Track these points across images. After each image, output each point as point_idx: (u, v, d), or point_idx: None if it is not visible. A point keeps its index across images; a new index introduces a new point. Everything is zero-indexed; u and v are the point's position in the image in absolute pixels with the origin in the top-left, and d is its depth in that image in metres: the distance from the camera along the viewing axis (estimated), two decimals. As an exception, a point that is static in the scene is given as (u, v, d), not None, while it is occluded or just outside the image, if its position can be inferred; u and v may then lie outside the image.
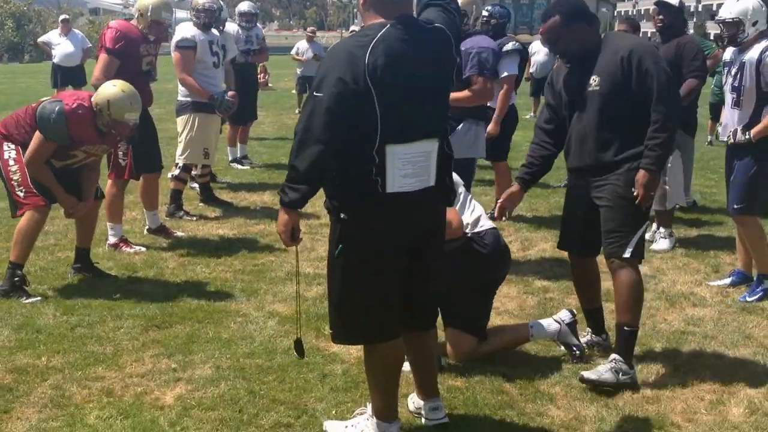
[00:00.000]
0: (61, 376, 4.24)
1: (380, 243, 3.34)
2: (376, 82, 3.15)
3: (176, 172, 7.81)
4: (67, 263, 6.06)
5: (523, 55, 8.02)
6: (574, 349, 4.51)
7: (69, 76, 15.66)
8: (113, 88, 5.47)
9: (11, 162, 5.47)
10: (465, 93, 5.81)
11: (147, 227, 7.14)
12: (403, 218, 3.35)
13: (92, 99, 5.46)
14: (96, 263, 6.04)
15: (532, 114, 17.42)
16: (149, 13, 6.56)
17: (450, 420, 3.81)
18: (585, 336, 4.77)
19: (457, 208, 4.32)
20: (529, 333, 4.55)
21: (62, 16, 15.89)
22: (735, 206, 5.77)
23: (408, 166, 3.28)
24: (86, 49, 16.08)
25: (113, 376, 4.26)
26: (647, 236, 6.94)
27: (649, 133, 4.13)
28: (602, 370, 4.21)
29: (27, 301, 5.33)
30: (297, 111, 17.12)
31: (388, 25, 3.25)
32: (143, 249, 6.62)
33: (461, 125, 5.88)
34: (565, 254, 6.63)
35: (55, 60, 15.76)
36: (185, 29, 7.65)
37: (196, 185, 8.57)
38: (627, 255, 4.23)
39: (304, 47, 17.05)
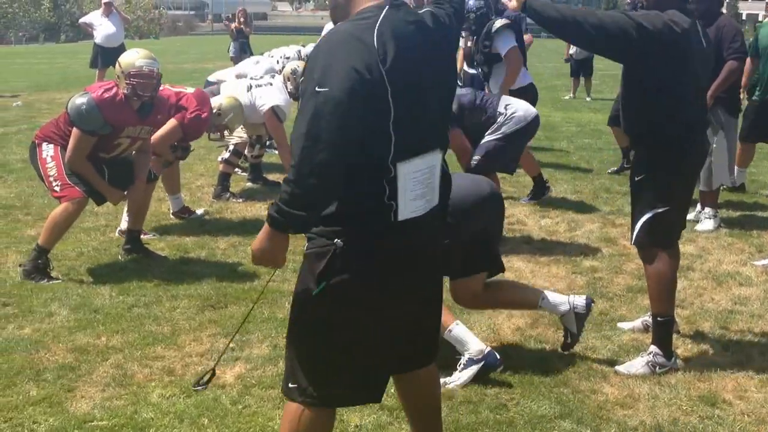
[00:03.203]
0: (121, 356, 4.33)
1: (381, 283, 2.69)
2: (390, 73, 2.52)
3: (226, 155, 7.92)
4: (119, 244, 6.18)
5: (514, 27, 7.94)
6: (569, 336, 4.34)
7: (110, 56, 15.75)
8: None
9: (48, 159, 5.62)
10: None
11: (171, 211, 7.25)
12: (411, 249, 2.73)
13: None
14: (146, 244, 6.16)
15: (571, 95, 17.33)
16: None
17: (506, 398, 3.89)
18: (645, 317, 4.76)
19: None
20: (539, 301, 4.34)
21: None
22: None
23: (418, 185, 2.66)
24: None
25: (173, 355, 4.36)
26: (690, 216, 6.95)
27: None
28: (638, 364, 4.21)
29: (47, 282, 5.44)
30: None
31: (387, 6, 2.65)
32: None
33: None
34: (612, 234, 6.75)
35: (97, 40, 15.86)
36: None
37: (238, 170, 8.65)
38: (632, 242, 4.30)
39: None
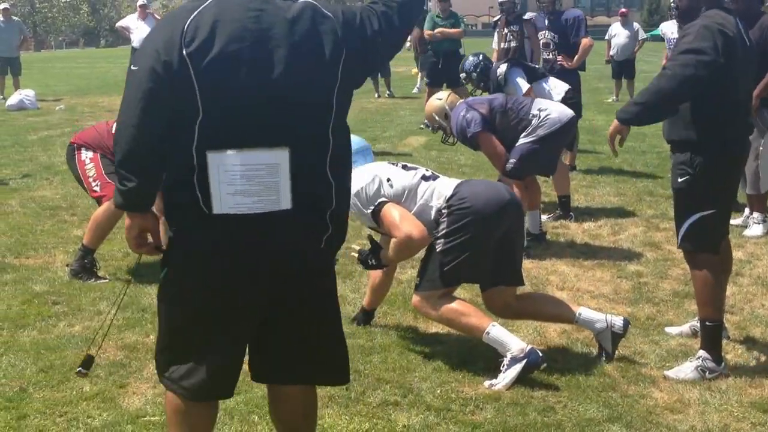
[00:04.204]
0: (170, 354, 4.39)
1: (210, 278, 2.61)
2: (194, 57, 2.41)
3: None
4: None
5: (516, 63, 7.79)
6: (603, 356, 4.32)
7: (147, 59, 15.99)
8: None
9: (87, 161, 5.69)
10: None
11: None
12: (244, 250, 2.57)
13: None
14: (191, 245, 6.22)
15: (614, 98, 17.18)
16: None
17: (554, 401, 3.87)
18: (693, 321, 4.69)
19: (405, 207, 4.27)
20: (574, 316, 4.36)
21: (140, 2, 16.16)
22: None
23: (241, 180, 2.48)
24: None
25: (220, 354, 4.40)
26: (739, 221, 6.88)
27: None
28: (687, 369, 4.16)
29: (95, 281, 5.54)
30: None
31: None
32: None
33: None
34: (657, 238, 6.69)
35: (134, 44, 16.00)
36: None
37: None
38: (678, 246, 4.28)
39: None
